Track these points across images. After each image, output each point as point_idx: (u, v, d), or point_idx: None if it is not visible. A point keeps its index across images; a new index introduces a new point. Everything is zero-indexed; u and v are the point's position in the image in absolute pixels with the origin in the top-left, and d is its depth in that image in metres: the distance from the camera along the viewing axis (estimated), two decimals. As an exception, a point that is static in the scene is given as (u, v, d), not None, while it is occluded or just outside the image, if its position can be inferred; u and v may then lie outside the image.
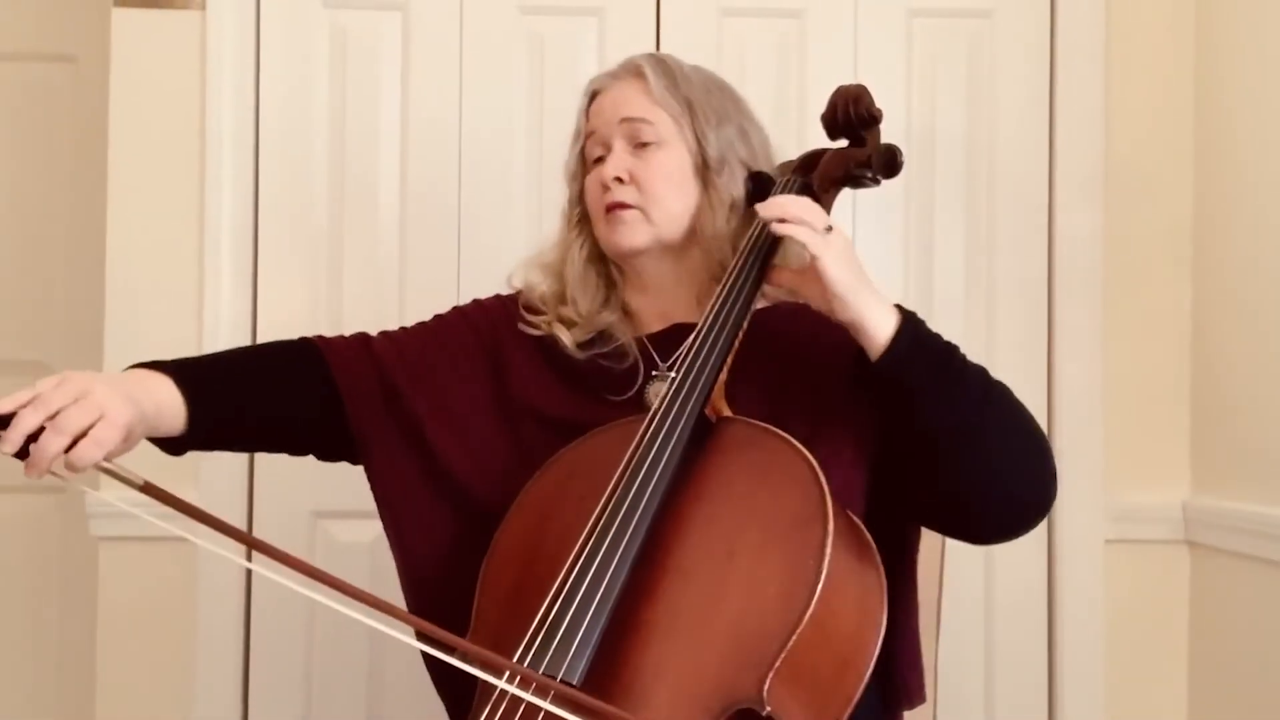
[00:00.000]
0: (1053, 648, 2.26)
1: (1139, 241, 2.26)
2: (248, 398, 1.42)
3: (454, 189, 2.25)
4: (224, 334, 2.19)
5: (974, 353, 2.23)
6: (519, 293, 1.56)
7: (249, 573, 2.19)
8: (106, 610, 2.19)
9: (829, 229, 1.27)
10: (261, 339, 2.21)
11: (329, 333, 2.15)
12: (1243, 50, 2.11)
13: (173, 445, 1.37)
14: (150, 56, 2.21)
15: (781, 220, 1.28)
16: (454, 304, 2.12)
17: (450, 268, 2.24)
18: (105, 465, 1.17)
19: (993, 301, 2.27)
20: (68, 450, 1.15)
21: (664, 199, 1.45)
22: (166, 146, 2.21)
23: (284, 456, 2.16)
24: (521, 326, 1.50)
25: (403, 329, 1.55)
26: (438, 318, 1.57)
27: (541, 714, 1.11)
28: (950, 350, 1.33)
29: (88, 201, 2.36)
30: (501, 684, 1.13)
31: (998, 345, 2.26)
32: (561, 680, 1.13)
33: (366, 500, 1.48)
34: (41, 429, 1.14)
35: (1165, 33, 2.26)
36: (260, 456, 2.20)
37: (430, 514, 1.46)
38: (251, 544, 1.21)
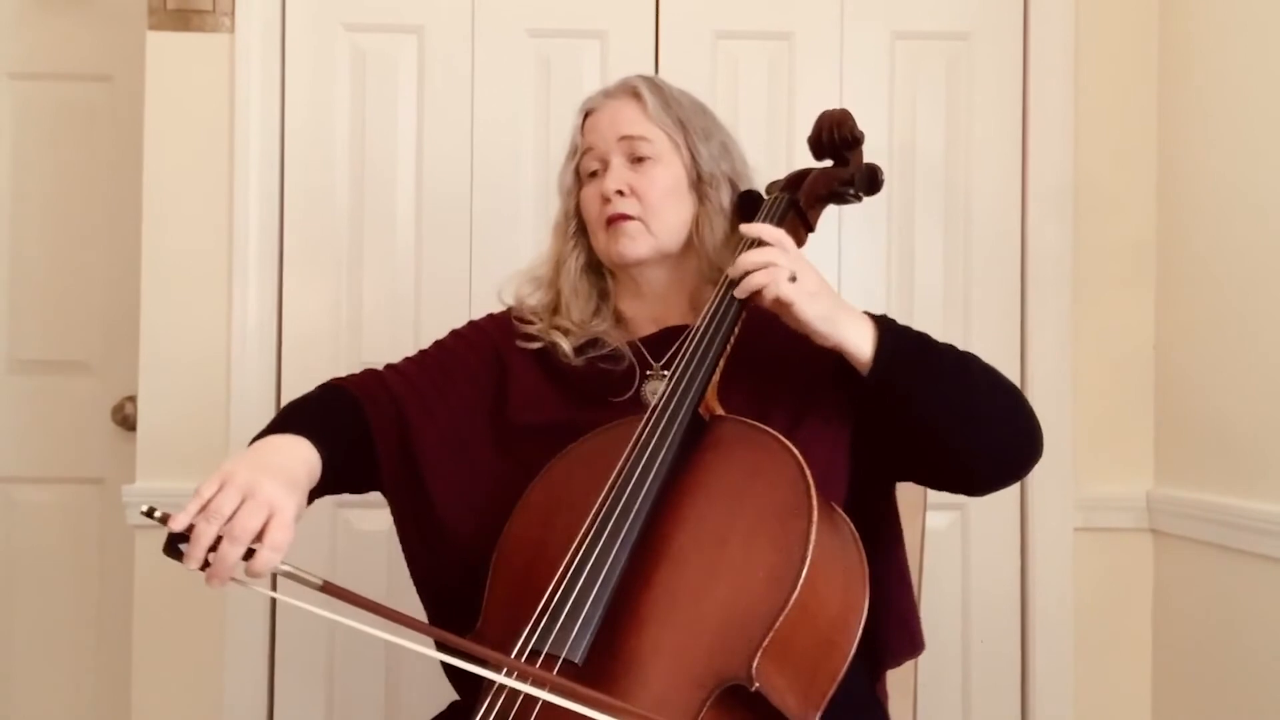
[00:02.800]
0: (1025, 629, 2.27)
1: (1106, 252, 2.26)
2: (346, 438, 1.41)
3: (466, 199, 2.26)
4: (251, 335, 2.20)
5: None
6: (509, 309, 1.57)
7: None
8: (142, 594, 2.21)
9: (793, 278, 1.29)
10: (286, 341, 2.23)
11: (346, 336, 2.22)
12: (1204, 75, 2.12)
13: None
14: (182, 76, 2.22)
15: (756, 292, 1.30)
16: (466, 308, 2.20)
17: (463, 274, 2.25)
18: (284, 568, 1.14)
19: (969, 308, 2.28)
20: (247, 556, 1.13)
21: (663, 211, 1.47)
22: (197, 160, 2.22)
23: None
24: (519, 343, 1.51)
25: (408, 360, 1.53)
26: (439, 346, 1.56)
27: (539, 703, 1.12)
28: (924, 342, 1.36)
29: (124, 212, 2.36)
30: (500, 679, 1.14)
31: (973, 348, 2.16)
32: (564, 659, 1.14)
33: (384, 491, 1.50)
34: (218, 538, 1.12)
35: (1131, 57, 2.27)
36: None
37: (426, 553, 1.47)
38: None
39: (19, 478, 2.50)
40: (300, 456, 1.29)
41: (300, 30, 2.25)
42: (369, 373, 1.51)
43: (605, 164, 1.49)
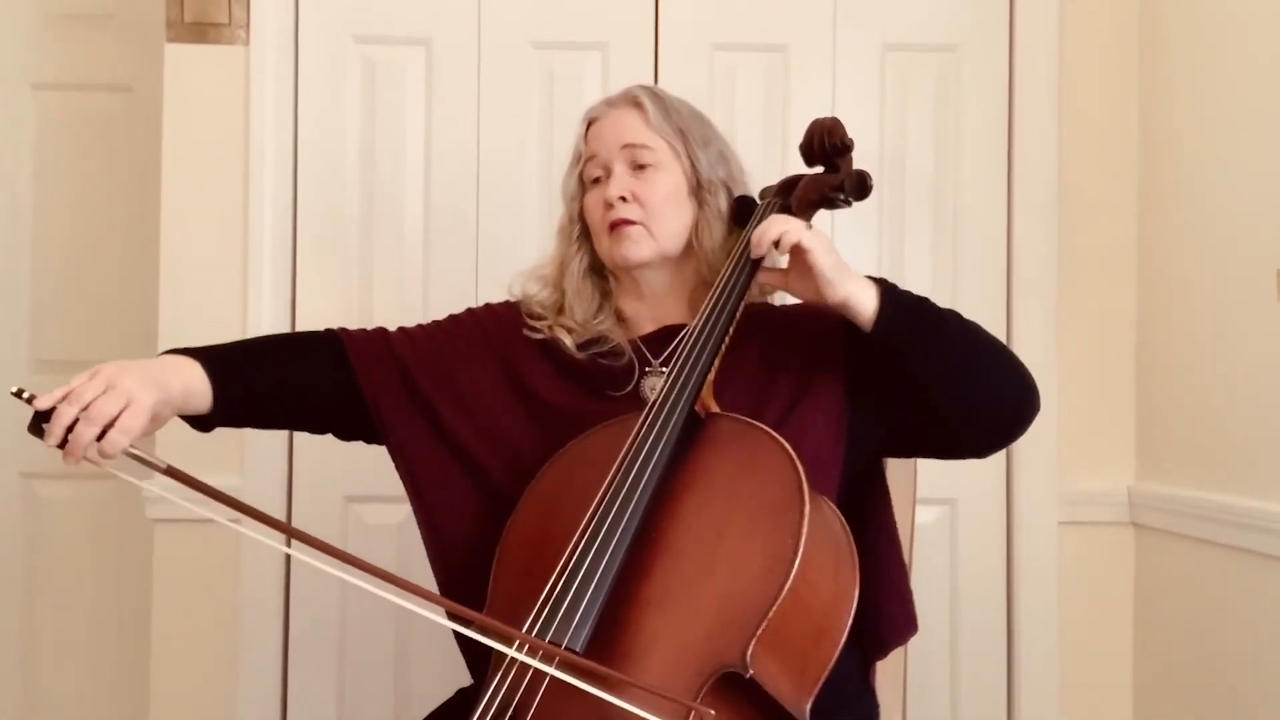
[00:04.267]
0: (1011, 620, 2.27)
1: (1089, 255, 2.26)
2: (269, 377, 1.43)
3: (472, 205, 2.26)
4: (265, 336, 2.21)
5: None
6: (519, 302, 1.57)
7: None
8: (160, 585, 2.21)
9: (810, 227, 1.32)
10: (299, 341, 2.24)
11: (360, 336, 2.21)
12: (1183, 85, 2.12)
13: (200, 423, 1.39)
14: (199, 86, 2.22)
15: (775, 242, 1.32)
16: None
17: (469, 276, 2.24)
18: (133, 451, 1.19)
19: (957, 309, 2.26)
20: (100, 439, 1.18)
21: (665, 216, 1.47)
22: (213, 167, 2.22)
23: (320, 447, 2.20)
24: (526, 331, 1.52)
25: (418, 325, 1.56)
26: (451, 317, 1.57)
27: (547, 679, 1.13)
28: (925, 303, 1.37)
29: (143, 217, 2.37)
30: (510, 652, 1.14)
31: None
32: (565, 648, 1.14)
33: (394, 486, 1.49)
34: (78, 420, 1.17)
35: (1113, 67, 2.27)
36: (298, 447, 2.21)
37: (451, 486, 1.46)
38: (291, 532, 1.21)
39: (42, 474, 2.50)
40: (180, 373, 1.33)
41: (312, 42, 2.25)
42: (375, 330, 1.53)
43: (608, 171, 1.48)
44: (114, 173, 2.50)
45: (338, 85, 2.26)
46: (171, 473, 1.17)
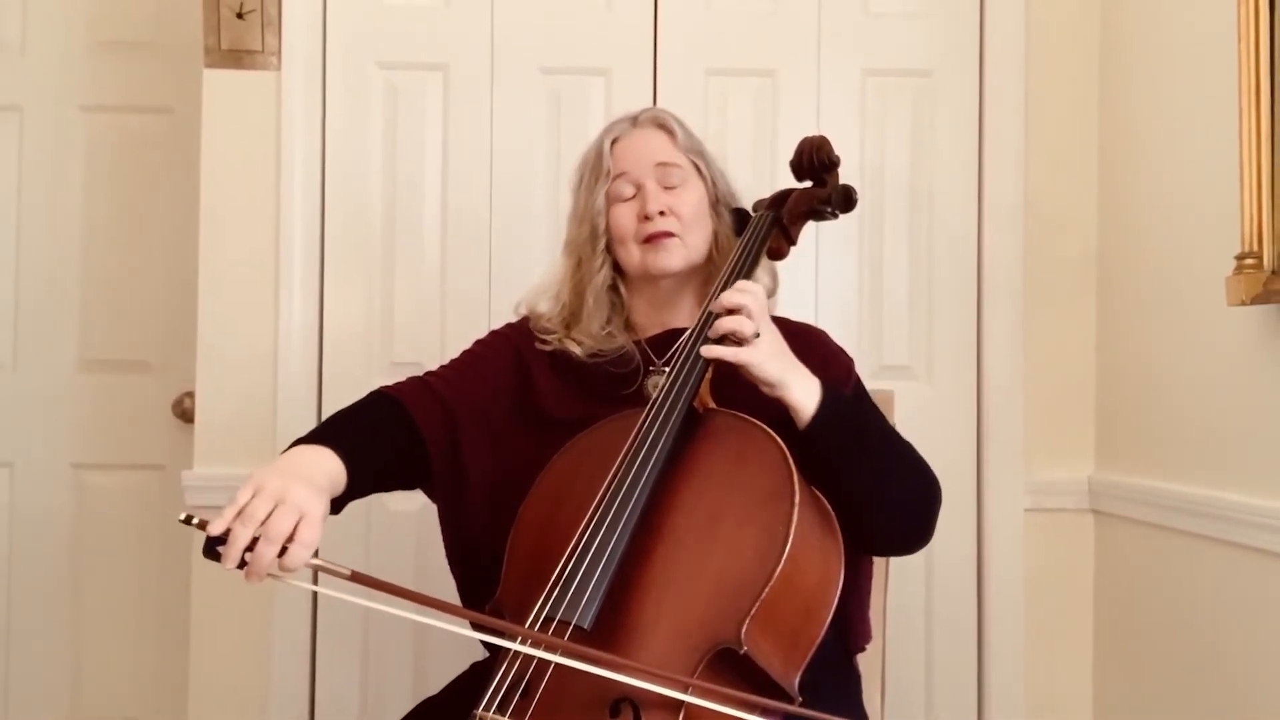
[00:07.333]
0: (981, 600, 2.26)
1: (1053, 262, 2.26)
2: (382, 455, 1.39)
3: (486, 217, 2.25)
4: (295, 339, 2.19)
5: (915, 357, 2.27)
6: (525, 319, 1.57)
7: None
8: (199, 568, 2.19)
9: (757, 334, 1.27)
10: (326, 342, 2.22)
11: (380, 338, 2.22)
12: (1140, 107, 2.12)
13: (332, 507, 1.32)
14: (235, 109, 2.21)
15: (717, 352, 1.27)
16: (486, 313, 2.19)
17: (483, 283, 2.24)
18: (314, 562, 1.11)
19: (932, 313, 2.27)
20: (280, 555, 1.11)
21: (695, 229, 1.48)
22: (248, 183, 2.21)
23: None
24: (537, 345, 1.51)
25: (445, 368, 1.52)
26: (468, 352, 1.56)
27: (552, 665, 1.12)
28: (861, 421, 1.34)
29: (183, 229, 2.36)
30: (516, 647, 1.14)
31: (936, 349, 2.26)
32: (574, 625, 1.14)
33: (413, 477, 1.48)
34: (255, 539, 1.10)
35: (1075, 90, 2.27)
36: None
37: (464, 539, 1.47)
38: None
39: (89, 464, 2.50)
40: (323, 467, 1.26)
41: (339, 68, 2.24)
42: (417, 382, 1.48)
43: (639, 187, 1.48)
44: (156, 188, 2.49)
45: (362, 107, 2.25)
46: (356, 578, 1.09)
